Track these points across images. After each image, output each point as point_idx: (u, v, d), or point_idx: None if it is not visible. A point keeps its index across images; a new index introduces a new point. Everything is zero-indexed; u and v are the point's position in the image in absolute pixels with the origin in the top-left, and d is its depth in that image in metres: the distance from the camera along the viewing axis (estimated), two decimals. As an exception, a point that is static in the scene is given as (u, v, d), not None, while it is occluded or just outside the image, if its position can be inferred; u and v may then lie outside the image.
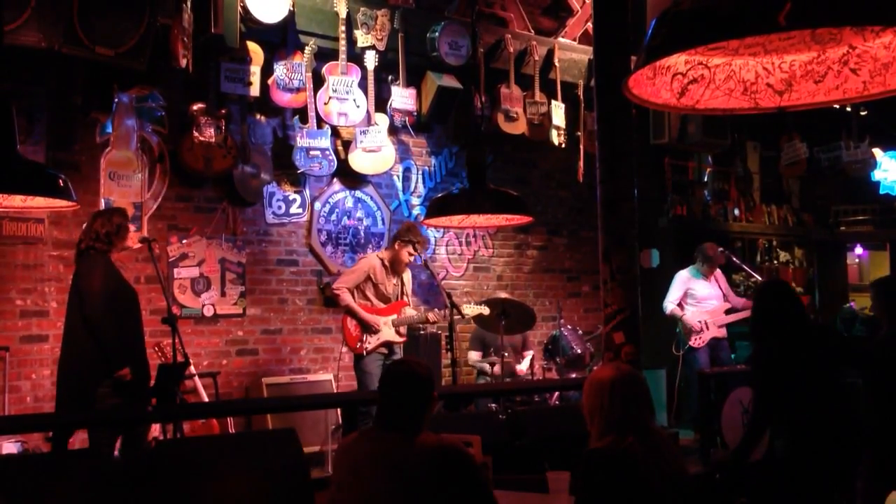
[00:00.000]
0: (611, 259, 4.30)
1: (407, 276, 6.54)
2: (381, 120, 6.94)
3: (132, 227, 5.18)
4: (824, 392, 3.93)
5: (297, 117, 6.82)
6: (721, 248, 7.88)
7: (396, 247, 6.34)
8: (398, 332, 6.34)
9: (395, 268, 6.38)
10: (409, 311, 6.45)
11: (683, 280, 7.69)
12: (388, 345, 6.31)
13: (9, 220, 5.67)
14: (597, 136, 4.44)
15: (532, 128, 7.64)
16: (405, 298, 6.46)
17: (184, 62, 5.64)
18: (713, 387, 6.54)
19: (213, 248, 6.59)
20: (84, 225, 5.22)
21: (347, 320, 6.29)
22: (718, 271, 7.84)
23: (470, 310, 6.38)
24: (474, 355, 7.12)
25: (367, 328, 6.21)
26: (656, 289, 7.71)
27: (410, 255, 6.32)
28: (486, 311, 6.47)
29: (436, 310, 6.59)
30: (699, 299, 7.62)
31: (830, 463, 3.86)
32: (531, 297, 8.30)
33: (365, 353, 6.21)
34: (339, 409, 6.35)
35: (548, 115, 7.72)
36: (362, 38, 6.71)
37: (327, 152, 6.69)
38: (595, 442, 2.87)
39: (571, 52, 8.11)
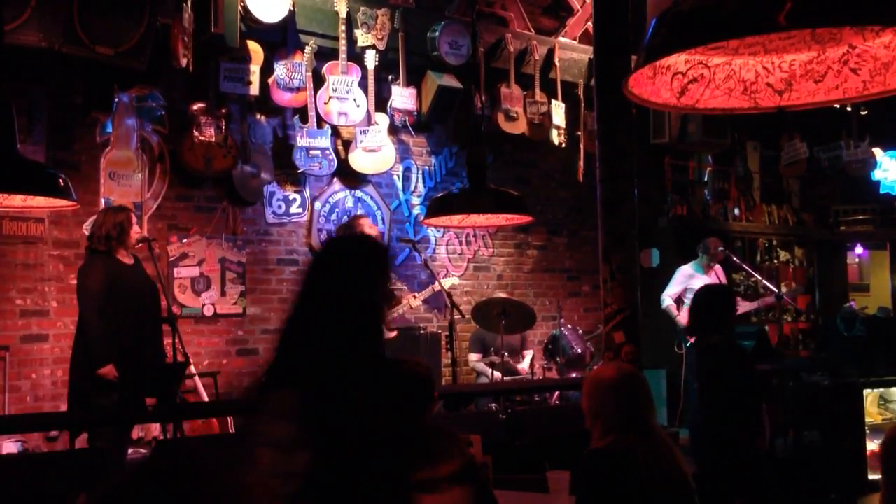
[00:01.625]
0: (611, 259, 4.30)
1: None
2: (382, 119, 6.93)
3: (135, 226, 5.17)
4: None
5: (297, 117, 6.82)
6: (721, 247, 7.89)
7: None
8: (387, 328, 6.30)
9: None
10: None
11: (685, 275, 7.68)
12: None
13: (9, 219, 5.67)
14: (597, 136, 4.45)
15: (532, 127, 7.64)
16: None
17: (184, 62, 5.64)
18: (713, 386, 6.51)
19: (214, 248, 6.59)
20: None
21: None
22: (718, 267, 7.85)
23: (445, 282, 6.45)
24: (474, 357, 7.12)
25: None
26: (656, 288, 7.71)
27: (371, 227, 6.31)
28: (456, 280, 6.85)
29: (415, 294, 6.55)
30: None
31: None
32: (531, 297, 8.30)
33: None
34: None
35: (548, 115, 7.71)
36: (362, 37, 6.70)
37: (327, 152, 6.69)
38: (596, 442, 2.87)
39: (572, 51, 8.11)
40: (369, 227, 6.33)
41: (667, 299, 7.63)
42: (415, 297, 6.43)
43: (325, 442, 1.92)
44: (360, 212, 7.30)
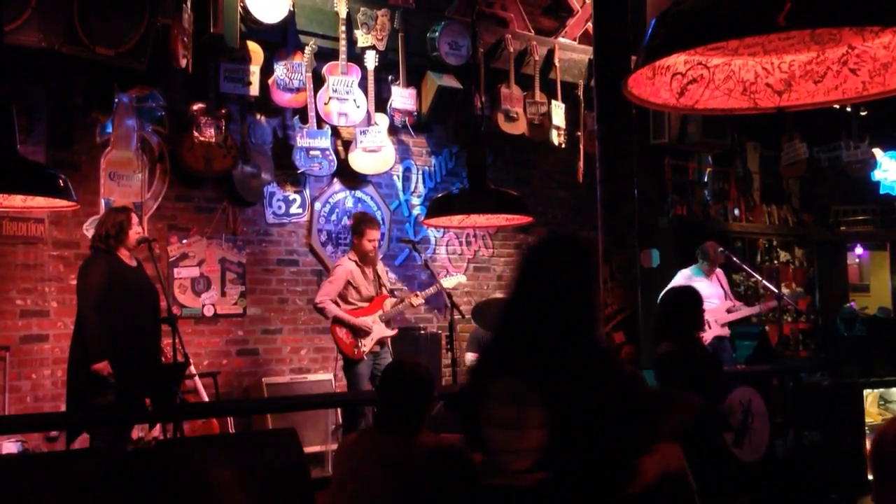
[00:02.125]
0: (611, 259, 4.30)
1: (380, 266, 6.45)
2: (382, 120, 6.93)
3: (135, 226, 5.16)
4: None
5: (297, 117, 6.82)
6: (721, 248, 7.88)
7: (355, 242, 6.25)
8: (388, 327, 6.28)
9: (366, 262, 6.26)
10: (390, 303, 6.33)
11: (685, 278, 7.67)
12: (381, 341, 6.27)
13: (9, 220, 5.67)
14: (597, 136, 4.44)
15: (532, 128, 7.64)
16: (384, 291, 6.35)
17: (184, 62, 5.64)
18: (713, 387, 6.52)
19: (214, 248, 6.59)
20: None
21: (337, 329, 6.13)
22: (719, 270, 7.84)
23: (448, 282, 6.42)
24: (471, 356, 7.09)
25: (359, 332, 6.15)
26: (656, 289, 7.68)
27: (370, 241, 6.21)
28: (463, 279, 6.71)
29: (418, 292, 6.50)
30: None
31: None
32: (531, 297, 8.27)
33: (364, 356, 6.14)
34: (339, 409, 6.35)
35: (548, 115, 7.71)
36: (362, 38, 6.71)
37: (327, 152, 6.69)
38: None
39: (571, 52, 8.11)
40: (370, 240, 6.27)
41: None
42: (417, 295, 6.40)
43: (556, 422, 2.18)
44: (358, 210, 7.31)
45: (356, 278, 6.18)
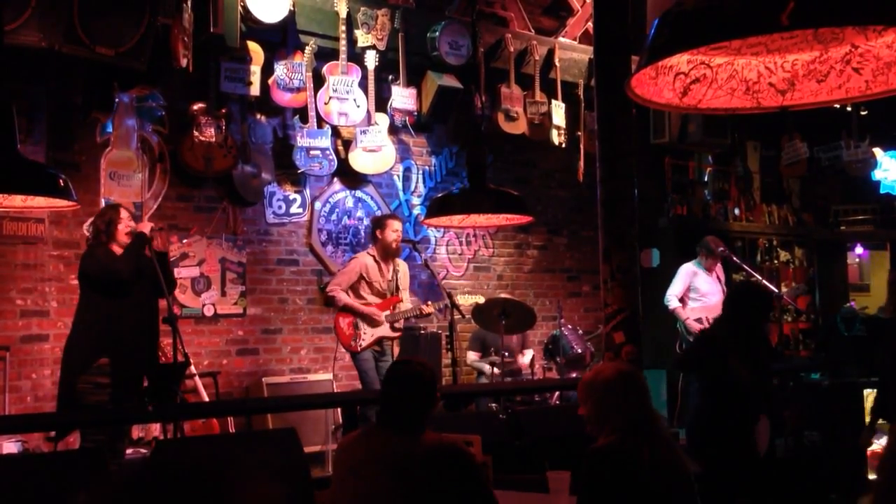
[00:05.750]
0: (611, 259, 4.30)
1: (403, 270, 6.45)
2: (382, 119, 6.93)
3: (124, 221, 5.09)
4: None
5: (297, 117, 6.82)
6: (722, 248, 7.86)
7: (378, 235, 6.28)
8: (392, 328, 6.29)
9: (387, 256, 6.28)
10: (404, 306, 6.37)
11: (688, 273, 7.60)
12: (381, 341, 6.27)
13: (9, 219, 5.66)
14: (597, 136, 4.44)
15: (532, 127, 7.64)
16: (399, 294, 6.38)
17: (184, 62, 5.64)
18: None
19: (214, 248, 6.59)
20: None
21: (340, 319, 6.22)
22: (719, 267, 7.82)
23: (465, 300, 6.43)
24: (472, 355, 7.11)
25: (369, 321, 6.17)
26: (656, 289, 7.68)
27: (395, 231, 6.24)
28: (480, 299, 6.58)
29: (430, 301, 6.51)
30: (702, 293, 7.56)
31: None
32: (531, 297, 8.29)
33: (359, 348, 6.19)
34: (339, 409, 6.35)
35: (548, 115, 7.71)
36: (363, 37, 6.70)
37: (327, 152, 6.69)
38: (598, 441, 2.87)
39: (572, 51, 8.10)
40: (394, 230, 6.28)
41: (672, 300, 7.53)
42: (428, 304, 6.40)
43: None
44: (360, 212, 7.32)
45: (370, 273, 6.23)
